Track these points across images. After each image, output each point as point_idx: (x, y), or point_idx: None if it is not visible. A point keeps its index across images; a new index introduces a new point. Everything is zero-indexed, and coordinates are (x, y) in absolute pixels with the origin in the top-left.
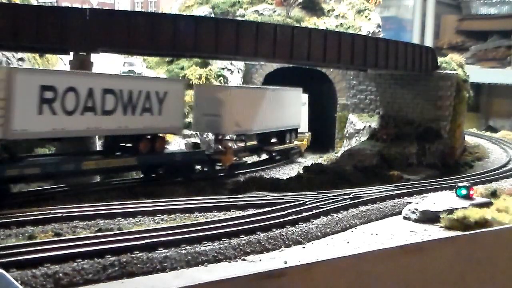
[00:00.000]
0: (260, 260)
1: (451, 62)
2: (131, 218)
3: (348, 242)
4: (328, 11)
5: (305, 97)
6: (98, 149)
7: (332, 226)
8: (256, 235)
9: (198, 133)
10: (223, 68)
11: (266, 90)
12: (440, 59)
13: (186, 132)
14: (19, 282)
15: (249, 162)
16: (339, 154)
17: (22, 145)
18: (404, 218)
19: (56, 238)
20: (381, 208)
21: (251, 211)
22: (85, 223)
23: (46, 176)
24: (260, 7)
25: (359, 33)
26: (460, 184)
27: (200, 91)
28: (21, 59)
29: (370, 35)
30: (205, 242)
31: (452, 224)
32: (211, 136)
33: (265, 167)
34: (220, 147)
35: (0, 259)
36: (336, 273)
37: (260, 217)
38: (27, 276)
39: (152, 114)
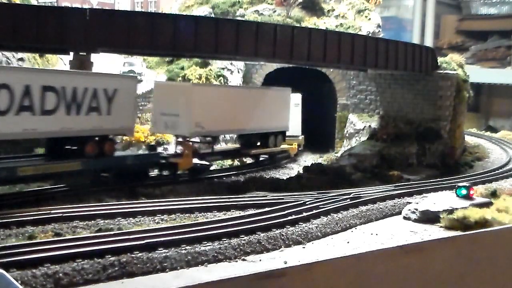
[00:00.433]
0: (260, 260)
1: (451, 62)
2: (131, 218)
3: (348, 242)
4: (328, 11)
5: (297, 98)
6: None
7: (332, 226)
8: (256, 235)
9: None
10: (223, 68)
11: (241, 89)
12: (440, 59)
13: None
14: (19, 282)
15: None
16: (339, 154)
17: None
18: (404, 218)
19: (56, 238)
20: (381, 208)
21: (251, 211)
22: (85, 223)
23: None
24: (260, 7)
25: (359, 33)
26: (460, 184)
27: (159, 88)
28: (21, 59)
29: (370, 35)
30: (205, 242)
31: (452, 224)
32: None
33: (236, 172)
34: (178, 149)
35: (0, 259)
36: (336, 273)
37: (260, 217)
38: (27, 276)
39: (100, 114)
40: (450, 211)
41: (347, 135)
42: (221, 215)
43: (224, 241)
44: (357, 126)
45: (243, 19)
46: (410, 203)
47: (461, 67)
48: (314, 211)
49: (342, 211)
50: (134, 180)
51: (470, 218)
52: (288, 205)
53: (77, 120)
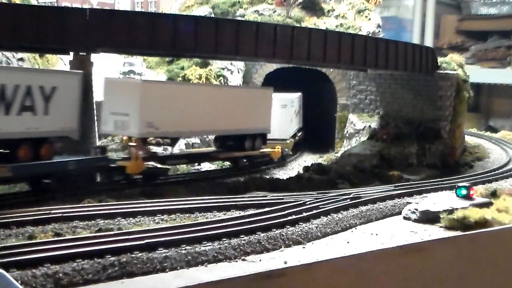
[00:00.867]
0: (260, 260)
1: (451, 62)
2: (131, 218)
3: (348, 242)
4: (328, 11)
5: (286, 99)
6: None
7: (332, 226)
8: (256, 235)
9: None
10: (223, 68)
11: (209, 88)
12: (440, 59)
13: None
14: (19, 282)
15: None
16: (339, 154)
17: None
18: (404, 218)
19: (56, 238)
20: (381, 208)
21: (251, 211)
22: (85, 223)
23: None
24: (260, 7)
25: (359, 33)
26: (460, 184)
27: (108, 85)
28: (21, 59)
29: (370, 35)
30: (205, 242)
31: (452, 224)
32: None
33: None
34: (128, 152)
35: (0, 259)
36: (336, 273)
37: (260, 217)
38: (27, 276)
39: (35, 114)
40: (450, 211)
41: (347, 135)
42: (221, 215)
43: (224, 241)
44: (357, 126)
45: (243, 19)
46: (410, 203)
47: (461, 67)
48: (314, 211)
49: (342, 211)
50: (79, 186)
51: (470, 218)
52: (288, 205)
53: (6, 120)
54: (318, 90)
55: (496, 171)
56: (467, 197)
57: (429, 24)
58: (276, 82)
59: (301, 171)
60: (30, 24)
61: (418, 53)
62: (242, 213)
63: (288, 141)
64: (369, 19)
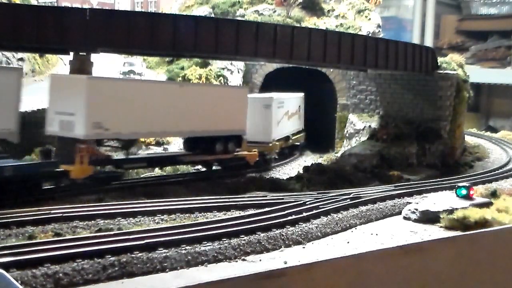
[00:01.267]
0: (260, 260)
1: (451, 62)
2: (131, 218)
3: (348, 242)
4: (328, 11)
5: (269, 99)
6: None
7: (332, 226)
8: (256, 235)
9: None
10: (223, 68)
11: (169, 85)
12: (440, 59)
13: None
14: (19, 282)
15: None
16: (339, 154)
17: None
18: (404, 218)
19: (56, 238)
20: (381, 208)
21: (251, 211)
22: (85, 223)
23: None
24: (260, 7)
25: (359, 33)
26: (460, 184)
27: (54, 81)
28: (21, 59)
29: (370, 35)
30: (205, 242)
31: (452, 224)
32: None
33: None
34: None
35: (0, 259)
36: (336, 273)
37: (260, 217)
38: (27, 276)
39: None
40: (450, 211)
41: (347, 135)
42: (221, 215)
43: (224, 241)
44: (357, 126)
45: (243, 19)
46: (410, 203)
47: (461, 67)
48: (314, 211)
49: (342, 211)
50: (21, 193)
51: (470, 218)
52: (288, 205)
53: None
54: (318, 90)
55: (496, 171)
56: (467, 197)
57: (429, 24)
58: (276, 82)
59: (301, 171)
60: (30, 24)
61: (418, 53)
62: (242, 213)
63: (270, 144)
64: (369, 19)
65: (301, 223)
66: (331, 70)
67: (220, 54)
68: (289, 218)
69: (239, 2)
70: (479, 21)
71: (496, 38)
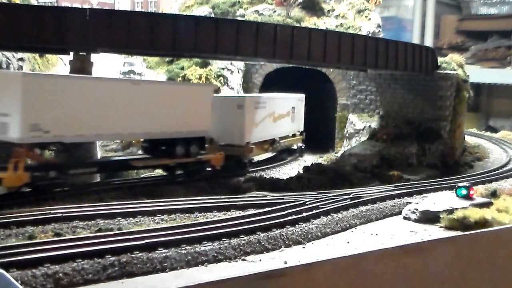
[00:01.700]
0: (260, 260)
1: (451, 62)
2: (131, 218)
3: (348, 242)
4: (328, 11)
5: (242, 100)
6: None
7: (332, 226)
8: (256, 235)
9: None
10: (223, 68)
11: (119, 83)
12: (440, 59)
13: None
14: (19, 282)
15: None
16: (339, 154)
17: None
18: (404, 218)
19: (56, 238)
20: (381, 208)
21: (251, 211)
22: (85, 223)
23: None
24: (260, 7)
25: (359, 33)
26: (460, 184)
27: None
28: (21, 59)
29: (370, 35)
30: (205, 242)
31: (452, 224)
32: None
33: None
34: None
35: (0, 259)
36: (336, 273)
37: (260, 217)
38: (27, 276)
39: None
40: (450, 211)
41: (347, 135)
42: (221, 215)
43: (224, 241)
44: (357, 126)
45: (243, 19)
46: (410, 203)
47: (461, 67)
48: (314, 211)
49: (342, 211)
50: None
51: (470, 218)
52: (288, 205)
53: None
54: (318, 90)
55: (496, 171)
56: (467, 197)
57: (429, 24)
58: (276, 82)
59: (301, 171)
60: (30, 24)
61: (418, 53)
62: (242, 213)
63: (244, 148)
64: (369, 19)
65: (301, 223)
66: (331, 70)
67: (220, 54)
68: (289, 218)
69: (239, 2)
70: (479, 21)
71: (496, 38)
